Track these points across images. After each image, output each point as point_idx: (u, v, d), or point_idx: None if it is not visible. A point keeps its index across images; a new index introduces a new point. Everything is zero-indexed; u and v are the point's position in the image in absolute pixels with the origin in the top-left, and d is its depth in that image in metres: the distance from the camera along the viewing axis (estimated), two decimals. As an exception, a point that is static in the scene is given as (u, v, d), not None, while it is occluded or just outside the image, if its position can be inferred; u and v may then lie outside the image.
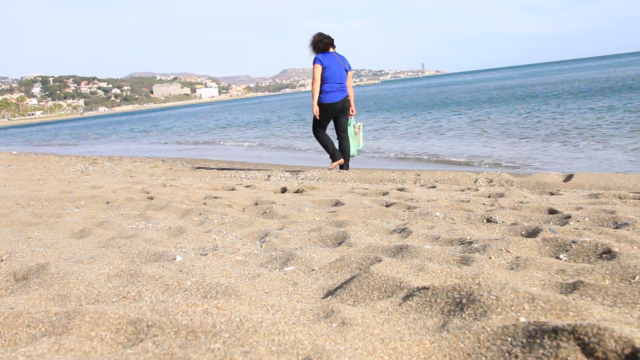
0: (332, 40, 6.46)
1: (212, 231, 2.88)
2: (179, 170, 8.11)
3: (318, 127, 6.47)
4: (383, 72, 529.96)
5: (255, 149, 13.47)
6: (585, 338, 1.09)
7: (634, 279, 1.58)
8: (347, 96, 6.38)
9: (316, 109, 6.34)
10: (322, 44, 6.41)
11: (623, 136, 8.87)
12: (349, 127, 6.51)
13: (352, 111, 6.59)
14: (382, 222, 2.96)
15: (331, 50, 6.46)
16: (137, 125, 36.95)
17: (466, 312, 1.36)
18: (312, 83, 6.30)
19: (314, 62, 6.32)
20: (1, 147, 24.28)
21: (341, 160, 6.44)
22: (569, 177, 4.91)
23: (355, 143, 6.65)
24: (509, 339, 1.18)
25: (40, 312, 1.44)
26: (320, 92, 6.29)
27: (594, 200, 3.35)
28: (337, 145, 6.53)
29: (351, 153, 6.55)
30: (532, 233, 2.41)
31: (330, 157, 6.50)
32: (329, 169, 6.42)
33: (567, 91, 21.85)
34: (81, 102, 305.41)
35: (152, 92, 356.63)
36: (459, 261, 2.00)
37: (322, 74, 6.27)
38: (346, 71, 6.42)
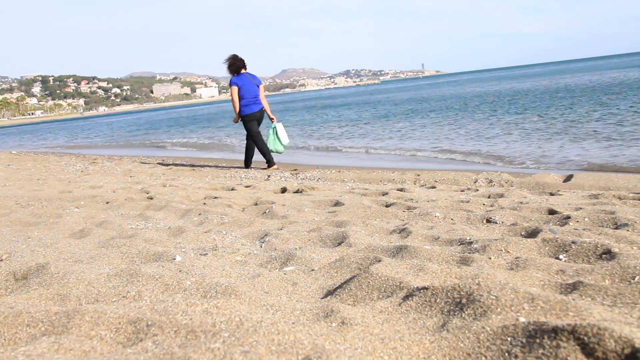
0: (244, 62, 7.90)
1: (212, 231, 2.88)
2: (178, 170, 8.11)
3: (251, 134, 7.87)
4: (383, 72, 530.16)
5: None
6: (585, 338, 1.09)
7: (633, 279, 1.58)
8: (262, 108, 7.85)
9: (237, 118, 7.90)
10: (235, 66, 7.81)
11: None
12: (272, 130, 7.90)
13: (272, 118, 8.05)
14: (382, 223, 2.96)
15: (243, 71, 7.88)
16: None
17: (466, 312, 1.36)
18: (232, 102, 7.78)
19: (230, 85, 7.81)
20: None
21: (249, 168, 8.02)
22: (568, 178, 4.92)
23: (282, 141, 7.91)
24: (509, 339, 1.18)
25: (40, 311, 1.44)
26: (241, 106, 7.77)
27: (594, 201, 3.36)
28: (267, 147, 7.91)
29: (279, 149, 7.88)
30: (532, 233, 2.41)
31: (245, 164, 8.15)
32: (264, 169, 8.00)
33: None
34: (81, 101, 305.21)
35: (152, 92, 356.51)
36: (458, 261, 2.00)
37: (238, 92, 7.74)
38: (257, 86, 7.85)
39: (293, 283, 1.88)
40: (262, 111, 7.82)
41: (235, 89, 7.72)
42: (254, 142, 7.87)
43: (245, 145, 8.18)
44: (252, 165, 8.13)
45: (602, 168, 6.28)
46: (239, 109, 7.74)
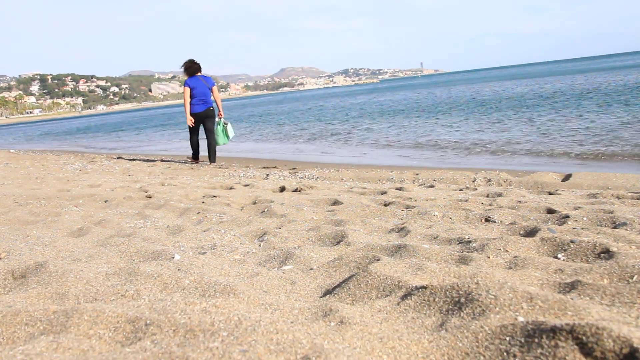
0: (199, 65, 8.75)
1: (211, 230, 2.88)
2: (177, 169, 8.10)
3: (191, 132, 8.86)
4: (382, 71, 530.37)
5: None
6: (584, 338, 1.09)
7: (632, 278, 1.59)
8: (211, 107, 8.71)
9: (190, 119, 8.65)
10: (191, 69, 8.65)
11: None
12: (219, 125, 8.72)
13: (220, 115, 8.82)
14: (381, 221, 2.96)
15: (198, 74, 8.71)
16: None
17: (464, 312, 1.37)
18: (184, 102, 8.60)
19: (184, 86, 8.64)
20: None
21: (197, 160, 8.99)
22: (567, 177, 4.92)
23: (227, 135, 8.84)
24: (508, 339, 1.18)
25: (38, 310, 1.44)
26: (190, 105, 8.59)
27: (593, 200, 3.36)
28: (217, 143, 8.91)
29: (222, 142, 8.79)
30: (531, 232, 2.41)
31: (192, 156, 9.08)
32: (188, 159, 9.24)
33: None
34: (79, 100, 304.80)
35: (150, 91, 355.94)
36: (457, 260, 2.00)
37: (190, 93, 8.57)
38: (210, 88, 8.71)
39: (292, 282, 1.88)
40: (207, 110, 8.69)
41: (187, 90, 8.59)
42: (190, 139, 8.95)
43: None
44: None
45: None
46: (189, 107, 8.64)
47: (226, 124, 8.87)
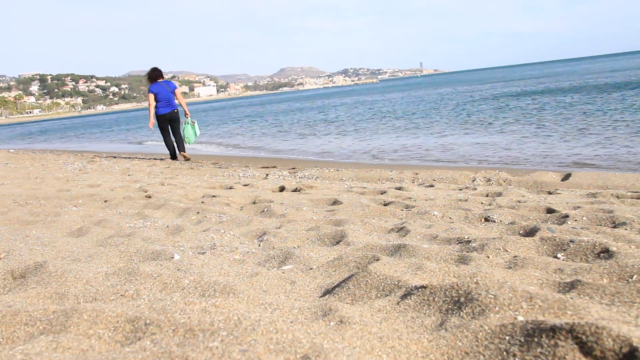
0: (161, 72, 9.94)
1: (210, 230, 2.88)
2: (176, 169, 8.10)
3: (162, 132, 9.84)
4: (381, 71, 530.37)
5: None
6: (583, 337, 1.09)
7: (631, 278, 1.59)
8: (175, 109, 9.74)
9: (152, 123, 9.70)
10: (153, 76, 9.81)
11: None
12: (187, 125, 9.77)
13: (187, 114, 9.87)
14: (380, 221, 2.96)
15: (160, 80, 9.80)
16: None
17: (464, 311, 1.37)
18: (149, 107, 9.67)
19: (148, 92, 9.69)
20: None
21: (176, 159, 9.81)
22: (566, 176, 4.93)
23: (194, 133, 9.82)
24: (507, 338, 1.18)
25: (38, 310, 1.44)
26: (156, 107, 9.63)
27: (592, 200, 3.36)
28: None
29: (190, 140, 9.81)
30: (530, 232, 2.41)
31: (170, 157, 10.01)
32: (171, 160, 9.82)
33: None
34: (79, 100, 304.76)
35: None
36: (456, 260, 2.00)
37: (155, 98, 9.61)
38: (172, 92, 9.74)
39: (291, 282, 1.88)
40: (173, 112, 9.69)
41: (151, 96, 9.62)
42: (163, 139, 9.87)
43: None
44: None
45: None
46: (155, 110, 9.60)
47: (193, 122, 9.83)
